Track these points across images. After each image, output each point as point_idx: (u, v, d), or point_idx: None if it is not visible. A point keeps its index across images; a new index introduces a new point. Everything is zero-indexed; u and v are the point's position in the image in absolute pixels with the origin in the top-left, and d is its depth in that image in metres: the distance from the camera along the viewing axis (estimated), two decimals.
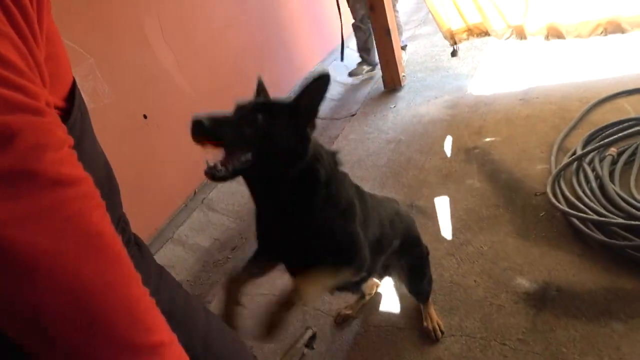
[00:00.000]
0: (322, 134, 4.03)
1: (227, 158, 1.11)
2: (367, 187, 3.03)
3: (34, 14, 0.59)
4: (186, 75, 3.22)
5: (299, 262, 1.37)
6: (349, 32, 4.50)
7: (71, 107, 0.81)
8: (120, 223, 0.96)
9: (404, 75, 4.20)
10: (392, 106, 3.97)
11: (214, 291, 2.69)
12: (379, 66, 4.30)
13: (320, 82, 1.17)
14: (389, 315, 2.15)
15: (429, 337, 1.98)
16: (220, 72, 3.56)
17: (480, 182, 2.77)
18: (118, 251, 0.58)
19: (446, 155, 3.11)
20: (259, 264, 1.45)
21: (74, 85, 0.84)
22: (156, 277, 1.01)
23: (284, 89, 4.34)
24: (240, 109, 1.20)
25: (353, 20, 4.48)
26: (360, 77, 4.68)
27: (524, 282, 2.10)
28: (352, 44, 4.85)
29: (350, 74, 4.65)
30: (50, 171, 0.51)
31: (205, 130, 1.07)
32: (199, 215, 3.22)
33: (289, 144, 1.18)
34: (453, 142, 3.22)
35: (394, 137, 3.51)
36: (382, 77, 4.18)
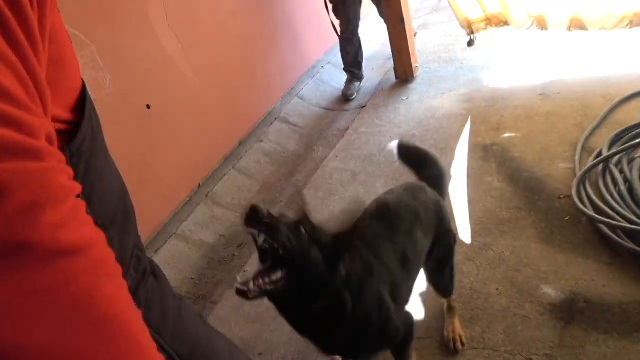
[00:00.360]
0: (330, 126, 3.90)
1: (259, 275, 1.07)
2: (379, 184, 2.94)
3: (34, 15, 0.47)
4: (191, 64, 3.07)
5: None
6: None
7: (80, 119, 0.68)
8: (135, 252, 0.85)
9: (416, 66, 4.05)
10: (404, 98, 3.82)
11: (220, 290, 2.59)
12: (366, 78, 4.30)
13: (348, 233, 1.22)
14: None
15: (449, 348, 1.87)
16: (225, 60, 3.41)
17: (499, 182, 2.64)
18: (135, 336, 0.45)
19: (463, 152, 2.97)
20: None
21: (83, 92, 0.71)
22: (175, 310, 0.90)
23: (289, 78, 4.19)
24: (284, 218, 1.16)
25: (341, 34, 4.05)
26: (355, 96, 4.22)
27: (549, 292, 1.99)
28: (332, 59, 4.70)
29: (346, 98, 4.19)
30: (49, 239, 0.39)
31: (263, 221, 1.03)
32: (203, 210, 3.10)
33: (320, 269, 1.15)
34: (470, 137, 3.09)
35: (407, 132, 3.37)
36: (394, 67, 4.03)
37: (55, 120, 0.63)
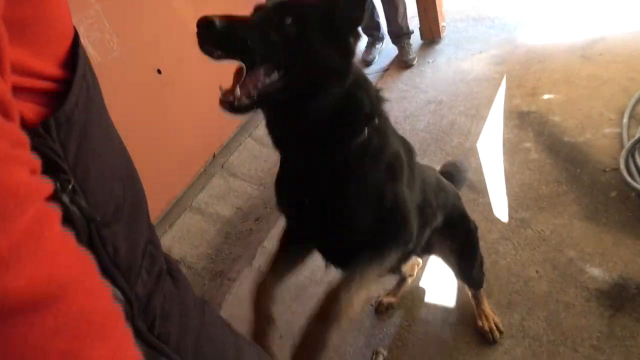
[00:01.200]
0: None
1: (248, 79, 0.83)
2: None
3: None
4: None
5: (336, 240, 1.10)
6: None
7: (72, 77, 0.52)
8: (148, 249, 0.70)
9: (443, 26, 3.76)
10: (431, 61, 3.57)
11: (237, 267, 2.47)
12: (387, 38, 3.79)
13: None
14: (437, 308, 1.90)
15: (486, 339, 1.73)
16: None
17: (537, 152, 2.43)
18: None
19: (496, 120, 2.75)
20: (288, 256, 1.16)
21: (75, 43, 0.55)
22: (197, 319, 0.76)
23: None
24: (261, 12, 0.89)
25: None
26: (376, 59, 3.91)
27: (596, 276, 1.82)
28: None
29: (366, 63, 3.86)
30: None
31: (218, 36, 0.78)
32: (219, 182, 2.96)
33: (327, 57, 0.89)
34: (504, 103, 2.85)
35: (434, 97, 3.14)
36: (420, 27, 3.75)
37: (36, 76, 0.49)
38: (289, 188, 1.09)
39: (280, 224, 2.60)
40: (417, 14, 3.70)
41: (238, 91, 0.82)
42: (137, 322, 0.65)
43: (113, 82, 2.31)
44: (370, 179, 0.99)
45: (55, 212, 0.37)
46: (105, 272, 0.59)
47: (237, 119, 3.20)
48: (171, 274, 0.77)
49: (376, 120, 0.98)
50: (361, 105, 0.94)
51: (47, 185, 0.38)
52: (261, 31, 0.84)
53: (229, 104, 0.82)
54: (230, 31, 0.79)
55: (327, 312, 0.94)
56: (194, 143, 2.89)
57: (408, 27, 3.57)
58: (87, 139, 0.55)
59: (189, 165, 2.87)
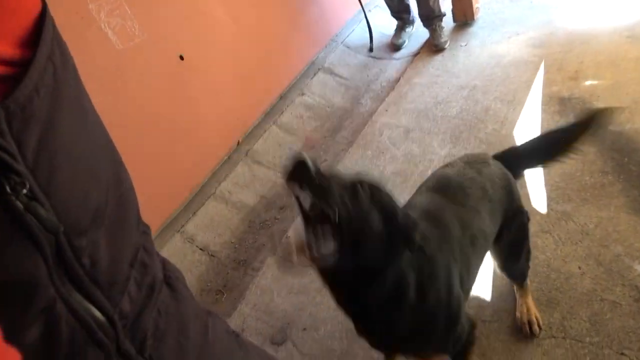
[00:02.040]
0: (379, 76, 3.55)
1: (305, 246, 0.85)
2: (435, 143, 2.62)
3: None
4: (227, 8, 2.78)
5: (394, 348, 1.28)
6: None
7: (32, 58, 0.44)
8: (139, 257, 0.61)
9: (477, 7, 3.57)
10: (463, 44, 3.40)
11: (261, 256, 2.42)
12: (418, 21, 3.59)
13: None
14: (470, 304, 1.79)
15: (523, 332, 1.62)
16: (265, 4, 3.09)
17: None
18: None
19: (535, 106, 2.59)
20: None
21: (42, 18, 0.47)
22: (199, 337, 0.67)
23: (334, 23, 3.82)
24: (337, 177, 0.89)
25: None
26: (406, 43, 3.74)
27: None
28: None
29: (395, 47, 3.71)
30: None
31: (310, 179, 0.80)
32: (243, 169, 2.90)
33: (380, 242, 0.91)
34: (543, 88, 2.68)
35: (467, 82, 2.98)
36: (452, 9, 3.57)
37: None
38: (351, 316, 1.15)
39: None
40: None
41: (295, 257, 0.85)
42: (124, 344, 0.56)
43: (135, 69, 2.27)
44: (422, 321, 1.11)
45: None
46: (80, 288, 0.50)
47: (261, 106, 3.13)
48: (169, 283, 0.67)
49: (424, 291, 1.05)
50: (406, 290, 1.01)
51: None
52: (346, 191, 0.86)
53: (286, 266, 0.87)
54: (323, 180, 0.82)
55: None
56: (218, 130, 2.84)
57: (440, 9, 3.41)
58: (53, 132, 0.46)
59: (212, 152, 2.82)
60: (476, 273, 1.37)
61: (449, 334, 1.19)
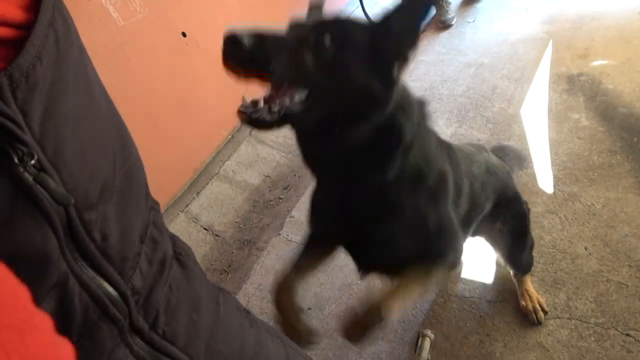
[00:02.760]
0: None
1: (273, 94, 0.74)
2: (441, 122, 2.59)
3: None
4: None
5: (372, 256, 1.03)
6: None
7: (34, 22, 0.42)
8: (149, 232, 0.60)
9: None
10: (471, 20, 3.33)
11: (265, 236, 2.42)
12: None
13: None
14: (474, 284, 1.79)
15: (529, 320, 1.62)
16: None
17: (588, 119, 2.24)
18: None
19: (543, 84, 2.54)
20: (310, 254, 1.09)
21: None
22: (210, 314, 0.67)
23: None
24: (298, 29, 0.79)
25: None
26: (454, 18, 3.44)
27: None
28: None
29: (443, 24, 3.40)
30: None
31: (245, 53, 0.69)
32: (247, 149, 2.88)
33: (367, 84, 0.78)
34: (551, 67, 2.63)
35: (474, 60, 2.93)
36: None
37: None
38: (325, 208, 1.03)
39: (308, 193, 2.52)
40: None
41: (261, 103, 0.74)
42: (136, 320, 0.55)
43: (136, 46, 2.22)
44: (411, 207, 0.93)
45: None
46: (92, 263, 0.49)
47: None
48: (179, 260, 0.66)
49: (420, 150, 0.90)
50: (401, 135, 0.85)
51: None
52: (295, 52, 0.75)
53: (248, 116, 0.74)
54: (259, 51, 0.70)
55: (364, 321, 0.90)
56: (221, 109, 2.80)
57: None
58: (58, 102, 0.44)
59: (216, 131, 2.80)
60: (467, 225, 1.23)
61: (443, 238, 0.99)
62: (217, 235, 2.50)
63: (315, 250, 1.09)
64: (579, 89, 2.42)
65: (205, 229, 2.51)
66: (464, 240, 1.28)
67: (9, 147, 0.39)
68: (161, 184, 2.41)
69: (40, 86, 0.41)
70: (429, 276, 0.98)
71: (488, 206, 1.33)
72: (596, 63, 2.54)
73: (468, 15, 3.39)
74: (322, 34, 0.77)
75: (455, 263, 1.06)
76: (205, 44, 2.62)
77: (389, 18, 0.80)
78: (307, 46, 0.76)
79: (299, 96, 0.75)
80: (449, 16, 3.32)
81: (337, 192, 0.95)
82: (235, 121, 2.90)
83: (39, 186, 0.41)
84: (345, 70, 0.78)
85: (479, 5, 3.43)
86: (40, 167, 0.41)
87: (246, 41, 0.68)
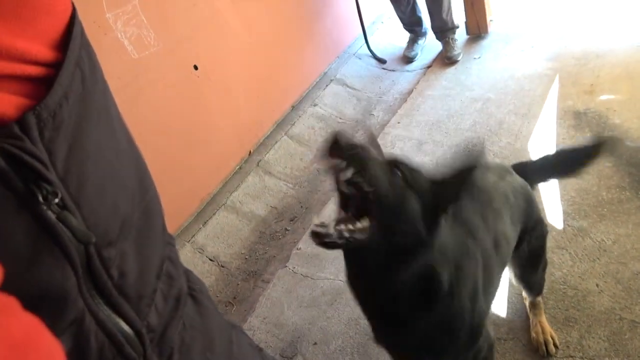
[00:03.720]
0: (391, 88, 3.54)
1: (343, 218, 0.84)
2: (448, 155, 2.60)
3: None
4: (241, 18, 2.80)
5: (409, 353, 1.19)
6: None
7: (61, 62, 0.44)
8: (165, 268, 0.60)
9: (491, 20, 3.57)
10: (477, 57, 3.38)
11: (272, 268, 2.40)
12: (430, 34, 3.59)
13: (470, 172, 0.91)
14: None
15: (539, 352, 1.58)
16: (278, 15, 3.10)
17: None
18: None
19: (550, 119, 2.56)
20: None
21: (72, 21, 0.46)
22: (224, 344, 0.66)
23: (346, 34, 3.84)
24: (374, 158, 0.88)
25: None
26: (419, 55, 3.73)
27: None
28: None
29: (408, 59, 3.70)
30: None
31: (349, 150, 0.82)
32: (254, 180, 2.90)
33: (417, 225, 0.89)
34: (558, 102, 2.66)
35: (481, 95, 2.96)
36: (465, 21, 3.57)
37: (17, 59, 0.39)
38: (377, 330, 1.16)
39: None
40: (462, 8, 3.52)
41: (332, 228, 0.81)
42: (151, 358, 0.54)
43: (150, 78, 2.28)
44: (451, 343, 1.09)
45: None
46: (108, 301, 0.49)
47: (273, 116, 3.14)
48: (193, 296, 0.66)
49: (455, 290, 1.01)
50: (439, 284, 0.96)
51: None
52: (382, 167, 0.86)
53: (321, 236, 0.81)
54: (361, 153, 0.83)
55: None
56: (230, 140, 2.84)
57: (453, 22, 3.40)
58: (83, 141, 0.45)
59: (224, 162, 2.82)
60: (498, 283, 1.33)
61: (469, 345, 1.13)
62: (223, 267, 2.49)
63: None
64: (586, 124, 2.43)
65: (210, 259, 2.50)
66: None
67: (34, 186, 0.39)
68: (168, 213, 2.38)
69: (66, 124, 0.42)
70: None
71: (517, 232, 1.35)
72: (602, 99, 2.56)
73: (474, 51, 3.45)
74: (399, 169, 0.88)
75: (492, 352, 1.24)
76: (216, 77, 2.68)
77: (446, 181, 0.92)
78: (387, 173, 0.86)
79: (363, 224, 0.83)
80: (455, 52, 3.38)
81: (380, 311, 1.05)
82: (243, 152, 2.94)
83: (61, 224, 0.41)
84: (407, 205, 0.87)
85: (484, 42, 3.50)
86: (63, 205, 0.42)
87: (353, 142, 0.82)
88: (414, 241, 0.89)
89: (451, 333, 1.07)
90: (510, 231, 1.29)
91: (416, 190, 0.88)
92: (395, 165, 0.89)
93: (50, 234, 0.41)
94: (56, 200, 0.41)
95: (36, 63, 0.41)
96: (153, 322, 0.55)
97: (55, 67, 0.43)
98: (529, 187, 1.46)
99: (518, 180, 1.43)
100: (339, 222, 0.82)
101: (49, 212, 0.40)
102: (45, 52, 0.42)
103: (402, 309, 0.98)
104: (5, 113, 0.38)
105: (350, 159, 0.81)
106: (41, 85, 0.42)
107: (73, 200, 0.43)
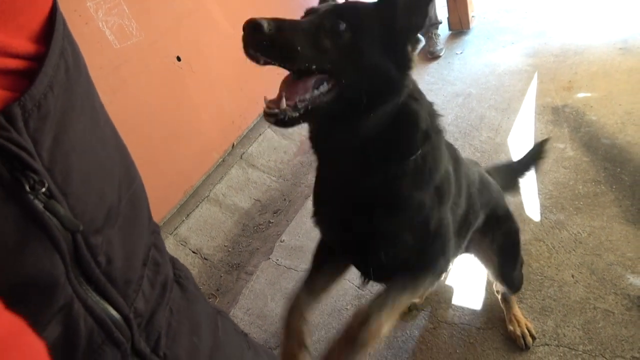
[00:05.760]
0: None
1: (295, 89, 0.74)
2: None
3: None
4: (225, 10, 2.78)
5: (375, 257, 1.00)
6: None
7: (46, 53, 0.43)
8: (151, 255, 0.61)
9: (473, 16, 3.61)
10: (459, 52, 3.43)
11: (255, 260, 2.40)
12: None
13: None
14: (464, 310, 1.80)
15: (517, 345, 1.62)
16: (264, 6, 3.09)
17: (573, 149, 2.30)
18: None
19: (529, 114, 2.61)
20: (323, 274, 1.08)
21: (53, 14, 0.46)
22: (210, 337, 0.67)
23: None
24: (314, 15, 0.80)
25: None
26: (443, 49, 3.52)
27: (637, 283, 1.70)
28: None
29: (432, 55, 3.49)
30: None
31: (266, 41, 0.69)
32: (237, 172, 2.89)
33: (383, 67, 0.78)
34: (537, 98, 2.71)
35: (462, 90, 3.01)
36: (448, 17, 3.61)
37: (2, 53, 0.40)
38: (330, 202, 1.01)
39: (298, 218, 2.52)
40: (445, 4, 3.56)
41: (284, 103, 0.74)
42: (138, 343, 0.55)
43: (131, 69, 2.25)
44: (419, 203, 0.92)
45: None
46: (96, 287, 0.50)
47: (258, 109, 3.13)
48: (179, 282, 0.67)
49: (432, 138, 0.89)
50: (417, 122, 0.85)
51: None
52: (313, 37, 0.76)
53: (274, 116, 0.73)
54: (279, 36, 0.71)
55: (354, 335, 0.86)
56: (213, 132, 2.83)
57: (437, 17, 3.44)
58: (68, 131, 0.45)
59: (207, 154, 2.81)
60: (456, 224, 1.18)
61: (433, 236, 0.98)
62: (206, 259, 2.48)
63: (326, 267, 1.08)
64: (563, 120, 2.49)
65: (193, 252, 2.49)
66: (459, 253, 1.31)
67: (20, 176, 0.40)
68: (150, 205, 2.39)
69: (51, 115, 0.43)
70: (418, 284, 0.97)
71: (481, 218, 1.34)
72: (580, 95, 2.62)
73: (456, 47, 3.49)
74: (337, 19, 0.78)
75: (443, 271, 1.05)
76: (200, 69, 2.66)
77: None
78: (324, 32, 0.77)
79: (319, 89, 0.76)
80: (438, 47, 3.42)
81: (347, 183, 0.93)
82: (227, 145, 2.92)
83: (48, 213, 0.42)
84: (362, 53, 0.78)
85: (466, 38, 3.54)
86: (49, 195, 0.43)
87: (266, 27, 0.69)
88: (383, 80, 0.80)
89: (417, 200, 0.91)
90: (476, 203, 1.25)
91: (369, 29, 0.79)
92: (337, 14, 0.79)
93: (38, 222, 0.41)
94: (43, 190, 0.41)
95: (18, 56, 0.41)
96: (140, 307, 0.56)
97: (37, 60, 0.43)
98: (497, 185, 1.50)
99: (489, 177, 1.47)
100: (289, 94, 0.75)
101: (36, 201, 0.41)
102: (26, 45, 0.42)
103: (372, 155, 0.86)
104: None
105: (280, 49, 0.71)
106: (24, 79, 0.42)
107: (59, 189, 0.44)
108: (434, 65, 3.38)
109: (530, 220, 2.03)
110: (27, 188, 0.40)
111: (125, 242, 0.54)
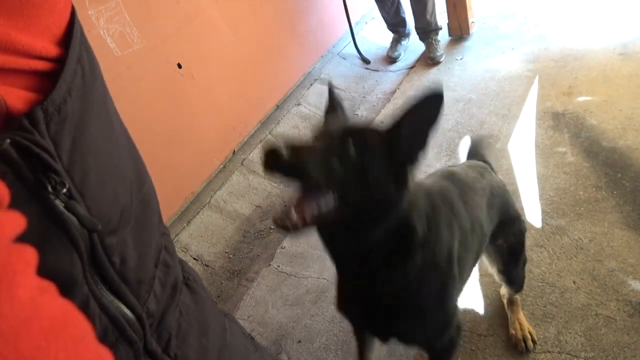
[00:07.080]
0: (374, 88, 3.57)
1: (304, 204, 0.82)
2: (431, 155, 2.63)
3: None
4: (225, 17, 2.79)
5: (384, 334, 1.23)
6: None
7: (65, 56, 0.46)
8: (162, 257, 0.63)
9: (473, 22, 3.62)
10: (459, 58, 3.43)
11: (256, 267, 2.40)
12: (413, 34, 3.66)
13: (432, 103, 0.84)
14: (465, 317, 1.79)
15: (518, 348, 1.62)
16: (262, 14, 3.10)
17: (574, 155, 2.29)
18: None
19: (529, 120, 2.62)
20: (367, 342, 1.44)
21: (73, 19, 0.48)
22: (218, 338, 0.68)
23: (331, 34, 3.85)
24: (326, 135, 0.88)
25: None
26: (402, 56, 3.79)
27: (639, 289, 1.69)
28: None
29: (391, 60, 3.76)
30: None
31: (283, 164, 0.78)
32: (238, 179, 2.89)
33: (384, 188, 0.87)
34: (537, 103, 2.71)
35: (463, 96, 3.01)
36: (448, 23, 3.62)
37: (23, 53, 0.41)
38: (350, 298, 1.18)
39: None
40: (444, 9, 3.57)
41: (294, 214, 0.80)
42: (150, 343, 0.57)
43: (133, 76, 2.26)
44: (424, 304, 1.08)
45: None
46: (110, 287, 0.51)
47: (258, 115, 3.14)
48: (188, 284, 0.68)
49: (430, 246, 1.01)
50: (414, 236, 0.95)
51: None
52: (324, 159, 0.82)
53: (285, 228, 0.81)
54: (296, 160, 0.78)
55: None
56: (214, 139, 2.83)
57: (437, 23, 3.45)
58: (85, 134, 0.47)
59: (208, 161, 2.81)
60: (470, 270, 1.34)
61: (442, 323, 1.14)
62: (207, 266, 2.48)
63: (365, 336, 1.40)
64: (564, 125, 2.49)
65: (194, 258, 2.49)
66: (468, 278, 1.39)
67: (43, 177, 0.41)
68: None
69: (70, 119, 0.45)
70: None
71: (492, 227, 1.40)
72: (580, 100, 2.62)
73: (456, 53, 3.50)
74: (347, 142, 0.85)
75: (459, 336, 1.22)
76: (200, 76, 2.67)
77: (399, 123, 0.88)
78: (334, 154, 0.83)
79: (326, 202, 0.82)
80: (438, 53, 3.43)
81: (357, 284, 1.07)
82: (227, 151, 2.93)
83: (68, 213, 0.44)
84: (366, 174, 0.85)
85: (466, 44, 3.55)
86: (69, 195, 0.44)
87: (284, 153, 0.76)
88: (383, 200, 0.88)
89: (423, 296, 1.06)
90: (486, 222, 1.33)
91: (374, 152, 0.86)
92: (347, 137, 0.85)
93: (59, 222, 0.43)
94: (64, 190, 0.43)
95: (41, 58, 0.43)
96: (152, 307, 0.58)
97: (58, 62, 0.45)
98: (505, 185, 1.54)
99: (496, 179, 1.51)
100: (299, 205, 0.81)
101: (57, 202, 0.43)
102: (49, 48, 0.44)
103: (377, 265, 0.97)
104: (15, 106, 0.40)
105: (285, 170, 0.78)
106: (45, 80, 0.44)
107: (77, 190, 0.46)
108: (434, 70, 3.39)
109: (532, 226, 2.03)
110: (50, 189, 0.41)
111: (137, 243, 0.56)
